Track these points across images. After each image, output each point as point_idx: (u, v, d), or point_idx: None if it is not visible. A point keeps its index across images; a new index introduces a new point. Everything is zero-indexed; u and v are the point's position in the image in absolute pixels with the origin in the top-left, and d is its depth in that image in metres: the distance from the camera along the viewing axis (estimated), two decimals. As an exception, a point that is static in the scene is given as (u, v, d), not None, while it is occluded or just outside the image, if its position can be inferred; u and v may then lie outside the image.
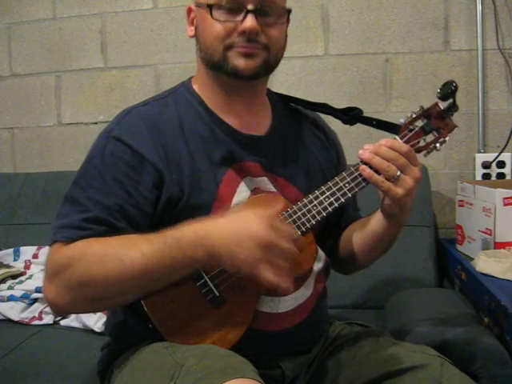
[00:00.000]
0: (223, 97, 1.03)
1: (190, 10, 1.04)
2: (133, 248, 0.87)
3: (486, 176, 1.86)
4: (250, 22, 0.94)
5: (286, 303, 1.01)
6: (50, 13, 2.13)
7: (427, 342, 1.08)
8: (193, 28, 1.03)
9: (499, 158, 1.84)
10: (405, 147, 0.94)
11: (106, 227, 0.91)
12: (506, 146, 1.82)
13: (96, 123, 2.12)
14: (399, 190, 0.93)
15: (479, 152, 1.87)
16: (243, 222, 0.87)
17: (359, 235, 1.09)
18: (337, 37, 1.94)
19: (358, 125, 1.11)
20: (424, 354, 0.98)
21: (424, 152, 1.00)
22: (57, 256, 0.90)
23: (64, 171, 2.02)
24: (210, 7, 0.96)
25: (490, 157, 1.85)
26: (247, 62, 0.96)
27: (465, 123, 1.87)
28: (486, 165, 1.85)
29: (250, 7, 0.94)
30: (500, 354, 1.08)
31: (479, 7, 1.83)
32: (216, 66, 0.99)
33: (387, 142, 0.95)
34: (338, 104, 1.09)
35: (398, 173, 0.92)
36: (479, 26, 1.83)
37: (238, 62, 0.96)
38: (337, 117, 1.11)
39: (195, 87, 1.06)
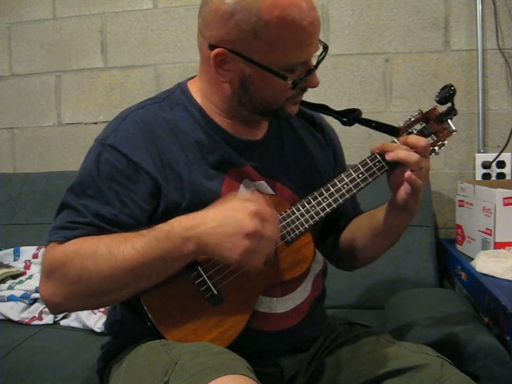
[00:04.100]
0: (225, 112, 1.02)
1: (221, 54, 0.92)
2: (124, 242, 0.88)
3: (486, 176, 1.86)
4: (317, 78, 0.97)
5: (284, 304, 1.01)
6: (50, 13, 2.13)
7: (427, 341, 1.08)
8: (225, 74, 0.94)
9: (499, 158, 1.84)
10: (425, 141, 0.96)
11: (99, 231, 0.92)
12: (506, 146, 1.82)
13: (96, 123, 2.12)
14: (420, 182, 0.95)
15: (479, 152, 1.87)
16: (230, 212, 0.88)
17: (367, 229, 1.09)
18: (337, 37, 1.94)
19: (359, 126, 1.11)
20: (424, 354, 0.98)
21: None
22: (51, 254, 0.91)
23: (64, 171, 2.02)
24: (287, 71, 0.93)
25: (490, 157, 1.85)
26: (298, 106, 1.01)
27: (465, 123, 1.87)
28: (486, 165, 1.85)
29: (314, 63, 0.97)
30: (500, 354, 1.08)
31: (479, 7, 1.83)
32: (263, 113, 1.00)
33: (413, 138, 0.97)
34: (338, 104, 1.09)
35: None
36: (479, 26, 1.83)
37: (293, 109, 1.01)
38: (336, 118, 1.11)
39: (192, 91, 1.03)
